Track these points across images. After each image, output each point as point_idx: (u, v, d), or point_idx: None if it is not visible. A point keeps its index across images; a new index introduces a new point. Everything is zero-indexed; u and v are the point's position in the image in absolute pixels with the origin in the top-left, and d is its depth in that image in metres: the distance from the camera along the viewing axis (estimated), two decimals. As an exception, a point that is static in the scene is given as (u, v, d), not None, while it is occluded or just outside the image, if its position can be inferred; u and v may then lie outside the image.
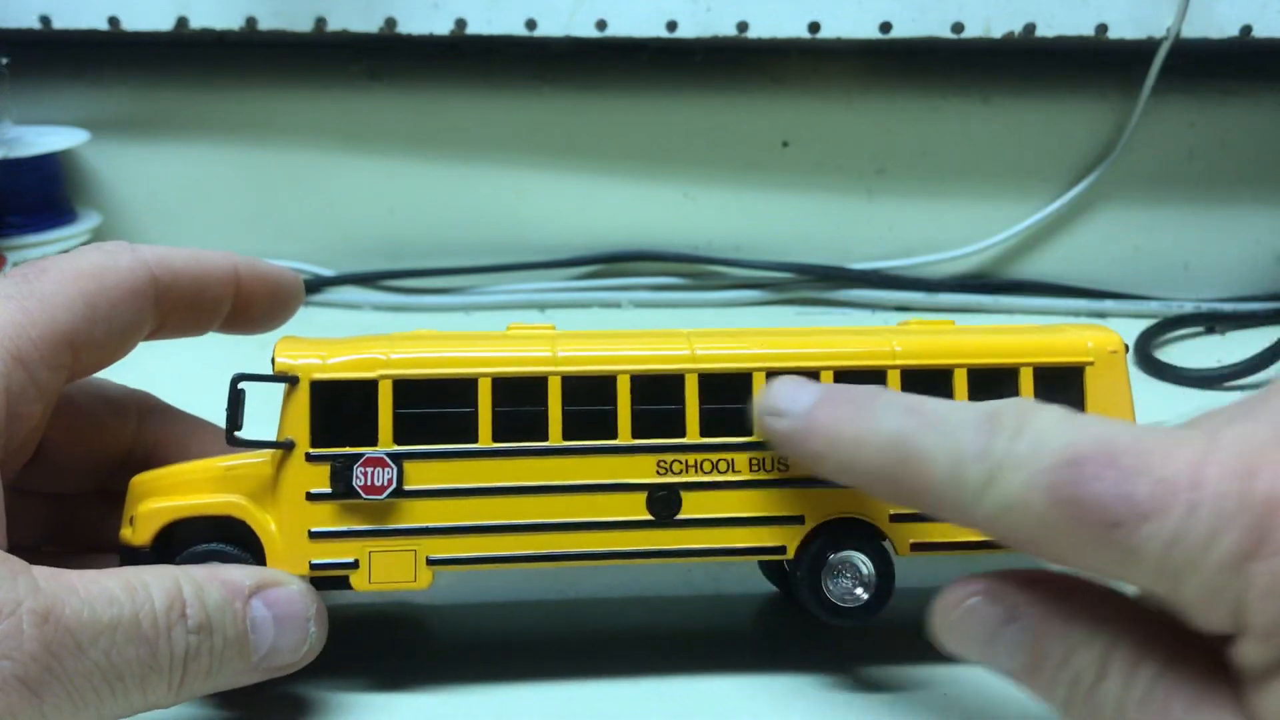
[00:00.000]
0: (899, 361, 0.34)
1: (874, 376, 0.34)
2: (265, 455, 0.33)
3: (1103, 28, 0.65)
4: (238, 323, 0.37)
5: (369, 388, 0.33)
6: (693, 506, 0.34)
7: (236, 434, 0.33)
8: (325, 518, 0.33)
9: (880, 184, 0.72)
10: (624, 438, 0.34)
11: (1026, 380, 0.35)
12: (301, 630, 0.31)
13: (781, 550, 0.34)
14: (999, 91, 0.70)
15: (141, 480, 0.34)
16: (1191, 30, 0.64)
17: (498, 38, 0.66)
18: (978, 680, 0.33)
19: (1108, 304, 0.69)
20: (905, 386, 0.34)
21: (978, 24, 0.65)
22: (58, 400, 0.32)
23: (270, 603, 0.30)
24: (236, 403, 0.33)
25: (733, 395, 0.34)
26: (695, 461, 0.34)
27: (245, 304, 0.36)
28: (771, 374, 0.34)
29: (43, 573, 0.26)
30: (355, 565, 0.33)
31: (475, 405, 0.33)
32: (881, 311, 0.71)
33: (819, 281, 0.72)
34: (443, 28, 0.66)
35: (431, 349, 0.34)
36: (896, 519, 0.34)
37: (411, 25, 0.66)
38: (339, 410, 0.33)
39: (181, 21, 0.66)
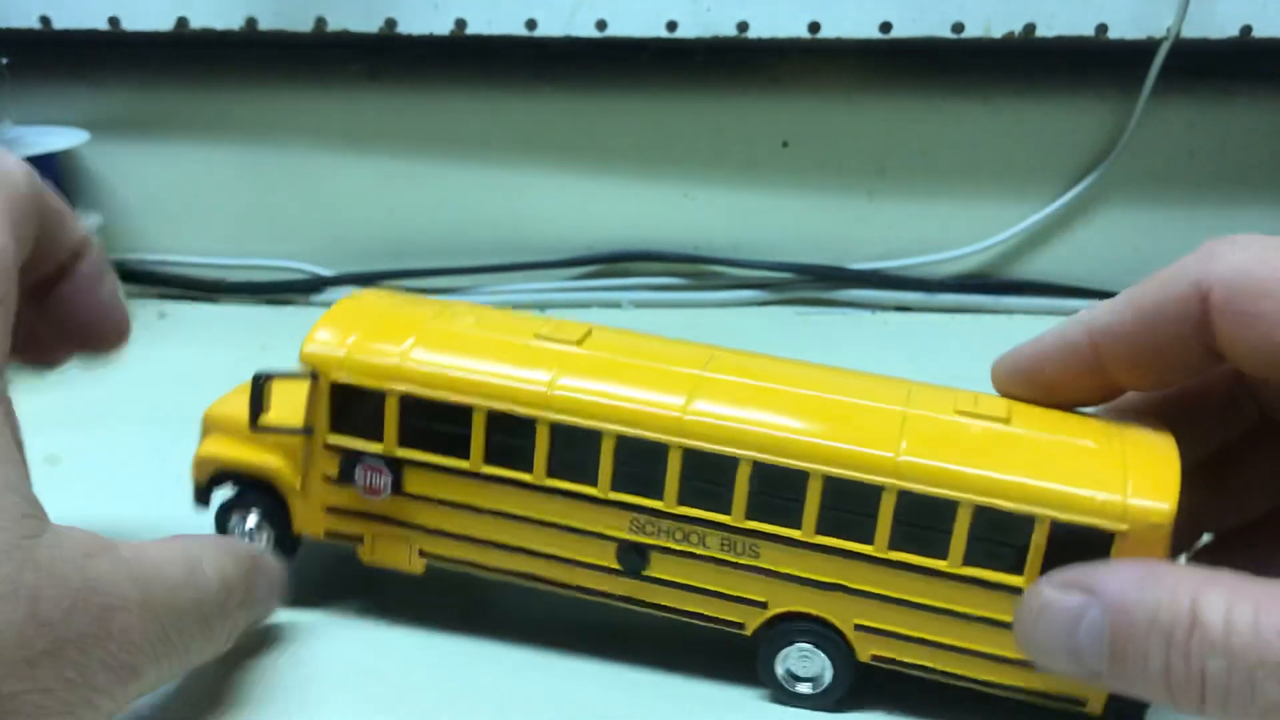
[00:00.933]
0: (899, 481, 0.31)
1: (868, 491, 0.32)
2: None
3: (1103, 28, 0.65)
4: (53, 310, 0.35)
5: (379, 396, 0.35)
6: (659, 568, 0.34)
7: (260, 422, 0.36)
8: (339, 497, 0.36)
9: (880, 184, 0.72)
10: (602, 490, 0.34)
11: (1041, 532, 0.30)
12: (278, 595, 0.35)
13: (741, 627, 0.34)
14: (999, 91, 0.70)
15: (210, 416, 0.38)
16: (1191, 30, 0.64)
17: (498, 38, 0.66)
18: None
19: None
20: (900, 507, 0.31)
21: (978, 24, 0.65)
22: None
23: (266, 572, 0.34)
24: (259, 395, 0.36)
25: (716, 475, 0.33)
26: (667, 528, 0.34)
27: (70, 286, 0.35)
28: (758, 465, 0.32)
29: (128, 553, 0.28)
30: (361, 540, 0.37)
31: (470, 429, 0.34)
32: (881, 311, 0.71)
33: (819, 281, 0.72)
34: (443, 28, 0.66)
35: (442, 364, 0.35)
36: (861, 629, 0.33)
37: (411, 25, 0.66)
38: (353, 406, 0.35)
39: (181, 21, 0.66)
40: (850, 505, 0.32)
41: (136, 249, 0.72)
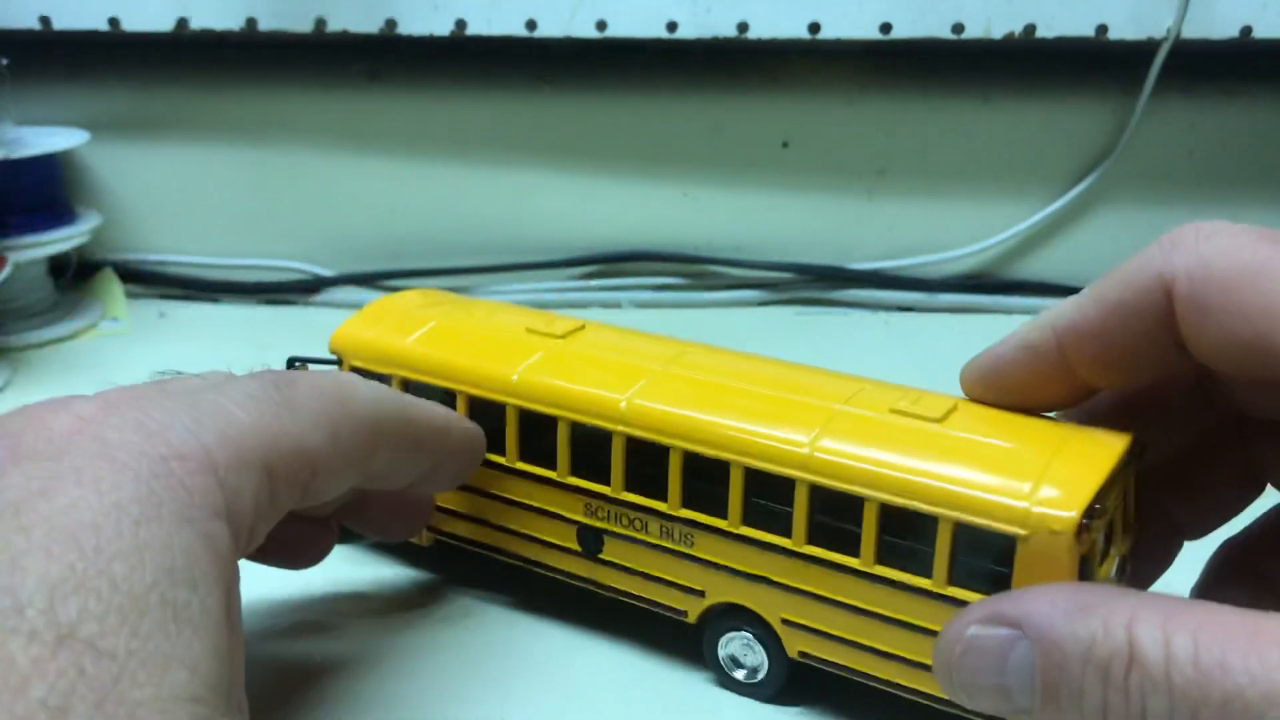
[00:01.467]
0: (810, 475, 0.31)
1: (782, 484, 0.32)
2: None
3: (1103, 28, 0.65)
4: (427, 481, 0.35)
5: (386, 380, 0.38)
6: (612, 552, 0.36)
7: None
8: None
9: (880, 184, 0.72)
10: (561, 474, 0.36)
11: (945, 533, 0.29)
12: (469, 458, 0.36)
13: (684, 614, 0.35)
14: (999, 91, 0.70)
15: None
16: (1191, 30, 0.64)
17: (498, 38, 0.66)
18: None
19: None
20: (815, 502, 0.31)
21: (978, 24, 0.65)
22: None
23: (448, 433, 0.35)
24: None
25: (657, 463, 0.34)
26: (615, 513, 0.35)
27: (441, 465, 0.35)
28: (689, 454, 0.33)
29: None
30: None
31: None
32: (881, 311, 0.71)
33: (819, 281, 0.72)
34: (443, 28, 0.66)
35: (436, 352, 0.38)
36: (788, 624, 0.33)
37: (411, 25, 0.66)
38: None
39: (181, 22, 0.66)
40: (771, 498, 0.33)
41: (136, 249, 0.72)
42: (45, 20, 0.66)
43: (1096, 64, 0.68)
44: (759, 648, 0.34)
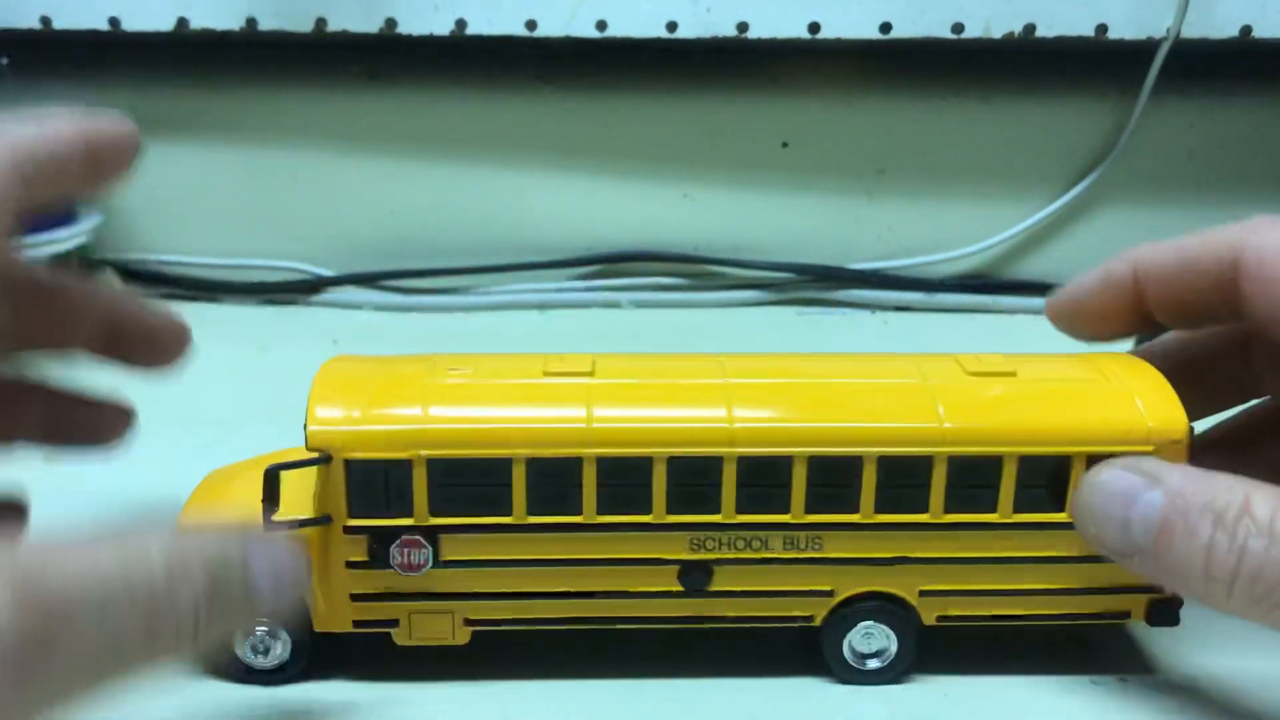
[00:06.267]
0: (947, 448, 0.33)
1: (920, 463, 0.33)
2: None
3: (1103, 28, 0.65)
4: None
5: (404, 466, 0.32)
6: (723, 581, 0.34)
7: (273, 519, 0.32)
8: (365, 583, 0.33)
9: (880, 184, 0.72)
10: (658, 515, 0.33)
11: (1079, 467, 0.32)
12: (295, 574, 0.30)
13: (809, 619, 0.35)
14: (999, 91, 0.70)
15: (211, 483, 0.36)
16: (1191, 30, 0.64)
17: (498, 38, 0.66)
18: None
19: (1108, 304, 0.69)
20: (951, 471, 0.33)
21: (978, 24, 0.65)
22: None
23: (268, 559, 0.29)
24: (272, 490, 0.32)
25: (772, 477, 0.33)
26: (729, 539, 0.34)
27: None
28: (814, 459, 0.32)
29: (28, 549, 0.25)
30: (396, 624, 0.34)
31: (510, 482, 0.33)
32: (881, 311, 0.71)
33: (819, 281, 0.72)
34: (443, 28, 0.66)
35: (467, 419, 0.33)
36: (925, 594, 0.34)
37: (411, 25, 0.66)
38: (374, 484, 0.33)
39: (181, 22, 0.66)
40: (903, 480, 0.33)
41: (137, 249, 0.72)
42: (45, 20, 0.66)
43: (1096, 64, 0.68)
44: (882, 630, 0.34)
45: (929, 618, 0.34)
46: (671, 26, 0.66)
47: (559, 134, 0.71)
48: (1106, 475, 0.30)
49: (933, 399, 0.33)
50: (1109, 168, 0.69)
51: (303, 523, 0.32)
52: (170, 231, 0.72)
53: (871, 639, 0.34)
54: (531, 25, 0.66)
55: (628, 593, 0.34)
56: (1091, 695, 0.34)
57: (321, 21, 0.66)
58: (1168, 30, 0.65)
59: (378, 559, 0.33)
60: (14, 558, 0.24)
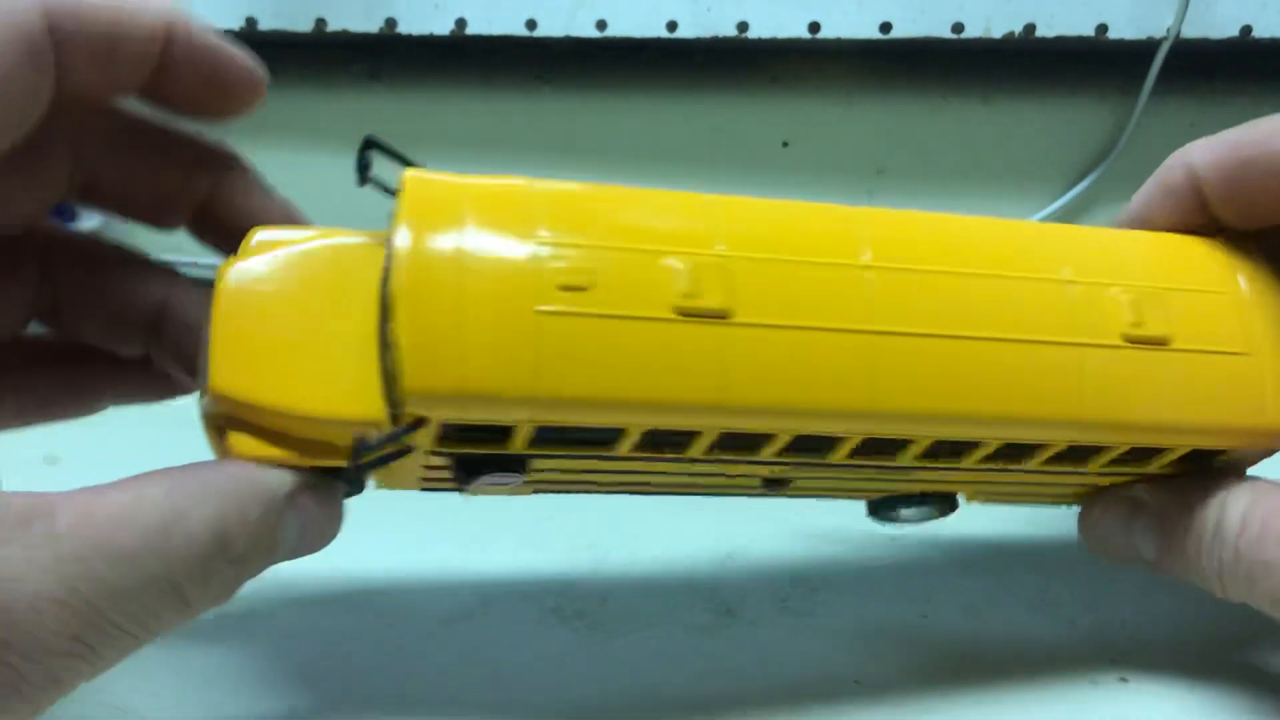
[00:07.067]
0: (1074, 435, 0.31)
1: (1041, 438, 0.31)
2: None
3: (1103, 28, 0.65)
4: (162, 98, 0.30)
5: (506, 431, 0.27)
6: (800, 486, 0.34)
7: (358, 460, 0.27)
8: (442, 477, 0.30)
9: (880, 184, 0.72)
10: (767, 466, 0.31)
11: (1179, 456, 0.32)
12: (322, 530, 0.28)
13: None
14: (999, 91, 0.70)
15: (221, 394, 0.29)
16: (1191, 30, 0.64)
17: (498, 38, 0.66)
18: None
19: (1108, 304, 0.69)
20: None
21: (978, 24, 0.65)
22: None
23: (301, 508, 0.27)
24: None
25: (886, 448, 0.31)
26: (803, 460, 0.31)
27: (171, 75, 0.29)
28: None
29: (67, 522, 0.23)
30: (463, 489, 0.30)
31: (620, 436, 0.28)
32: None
33: (819, 281, 0.72)
34: (443, 28, 0.66)
35: (593, 393, 0.26)
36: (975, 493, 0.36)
37: (411, 25, 0.66)
38: (467, 429, 0.28)
39: (181, 21, 0.66)
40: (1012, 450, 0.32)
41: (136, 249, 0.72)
42: (45, 20, 0.66)
43: (1096, 64, 0.68)
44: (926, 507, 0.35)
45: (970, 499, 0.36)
46: (671, 26, 0.66)
47: (559, 134, 0.71)
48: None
49: (1080, 379, 0.30)
50: (1109, 168, 0.69)
51: (388, 458, 0.27)
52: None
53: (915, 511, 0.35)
54: (531, 25, 0.66)
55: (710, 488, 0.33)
56: (1091, 695, 0.34)
57: (321, 21, 0.66)
58: (1168, 30, 0.65)
59: (463, 479, 0.29)
60: (61, 536, 0.23)
